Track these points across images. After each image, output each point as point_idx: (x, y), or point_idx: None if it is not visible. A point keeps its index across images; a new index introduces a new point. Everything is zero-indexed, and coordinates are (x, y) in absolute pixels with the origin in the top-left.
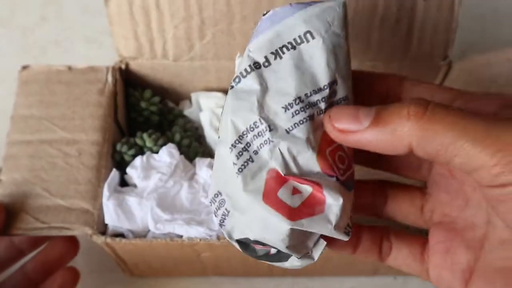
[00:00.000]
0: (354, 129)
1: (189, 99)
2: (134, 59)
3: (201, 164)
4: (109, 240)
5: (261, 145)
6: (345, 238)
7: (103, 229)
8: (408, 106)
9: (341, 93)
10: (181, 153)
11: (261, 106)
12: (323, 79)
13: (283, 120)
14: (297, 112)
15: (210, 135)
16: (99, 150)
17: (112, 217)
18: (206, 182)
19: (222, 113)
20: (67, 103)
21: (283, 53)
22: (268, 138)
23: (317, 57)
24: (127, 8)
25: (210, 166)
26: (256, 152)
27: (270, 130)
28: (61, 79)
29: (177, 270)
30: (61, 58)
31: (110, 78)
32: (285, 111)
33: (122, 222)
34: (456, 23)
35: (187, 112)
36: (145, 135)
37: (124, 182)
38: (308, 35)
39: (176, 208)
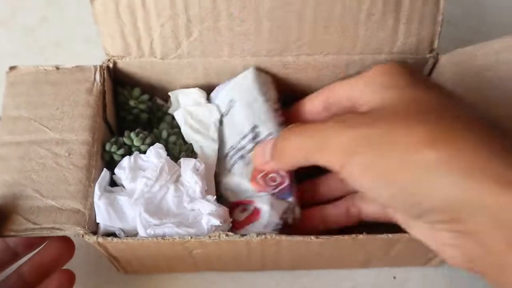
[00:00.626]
0: (263, 162)
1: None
2: (121, 58)
3: (186, 166)
4: (100, 239)
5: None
6: (274, 232)
7: (94, 229)
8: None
9: (264, 132)
10: (168, 150)
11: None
12: (246, 128)
13: (226, 163)
14: (232, 156)
15: (186, 132)
16: (88, 150)
17: (103, 216)
18: (189, 187)
19: None
20: (56, 103)
21: (224, 116)
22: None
23: (239, 115)
24: (113, 7)
25: (195, 168)
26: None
27: (221, 173)
28: (49, 80)
29: (169, 267)
30: (62, 58)
31: (98, 77)
32: (225, 157)
33: (113, 221)
34: (442, 16)
35: (170, 110)
36: (132, 134)
37: (114, 182)
38: (231, 102)
39: (164, 212)
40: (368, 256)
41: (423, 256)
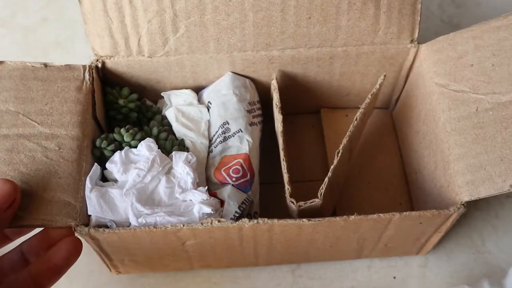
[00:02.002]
0: None
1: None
2: (110, 58)
3: (178, 158)
4: (92, 231)
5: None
6: (232, 220)
7: (86, 221)
8: None
9: (233, 128)
10: (158, 146)
11: None
12: (217, 123)
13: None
14: (209, 152)
15: (177, 129)
16: (79, 144)
17: (95, 208)
18: (181, 178)
19: None
20: (44, 99)
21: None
22: None
23: (213, 114)
24: (100, 5)
25: (187, 161)
26: None
27: None
28: (37, 76)
29: (163, 264)
30: (62, 58)
31: (87, 76)
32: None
33: (105, 213)
34: (420, 4)
35: (164, 110)
36: (122, 130)
37: (105, 178)
38: (209, 103)
39: (155, 202)
40: (361, 243)
41: (415, 242)
